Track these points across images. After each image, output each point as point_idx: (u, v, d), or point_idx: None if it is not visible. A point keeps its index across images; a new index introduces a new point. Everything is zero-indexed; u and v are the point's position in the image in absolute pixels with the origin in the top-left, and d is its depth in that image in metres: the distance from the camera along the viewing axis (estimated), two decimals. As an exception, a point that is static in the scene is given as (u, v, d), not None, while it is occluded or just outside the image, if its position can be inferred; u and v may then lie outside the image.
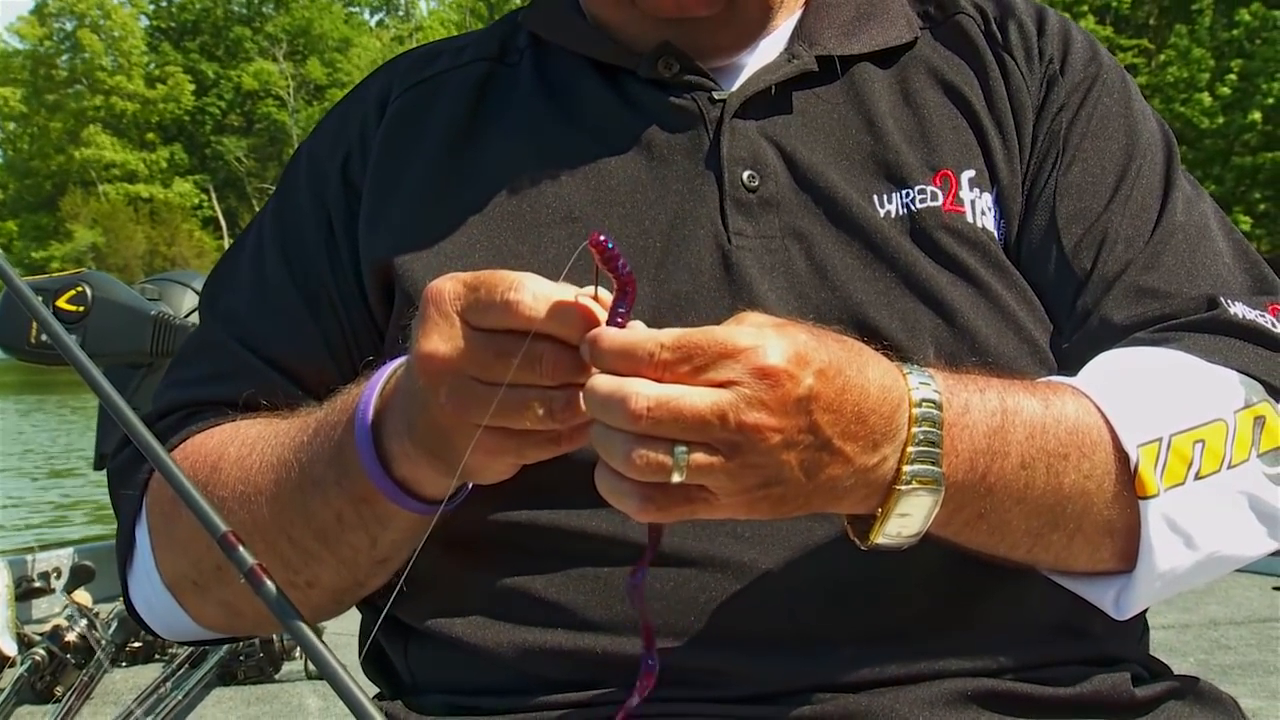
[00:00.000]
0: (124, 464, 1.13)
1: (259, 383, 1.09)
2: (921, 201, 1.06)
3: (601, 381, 0.78)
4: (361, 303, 1.09)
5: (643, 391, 0.77)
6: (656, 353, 0.78)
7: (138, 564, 1.11)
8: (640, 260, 1.03)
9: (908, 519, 0.86)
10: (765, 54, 1.12)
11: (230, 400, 1.10)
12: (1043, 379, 0.99)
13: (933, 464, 0.85)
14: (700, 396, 0.77)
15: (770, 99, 1.08)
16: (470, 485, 0.95)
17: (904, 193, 1.06)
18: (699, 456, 0.78)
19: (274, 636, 3.27)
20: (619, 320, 0.80)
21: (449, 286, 0.83)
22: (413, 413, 0.87)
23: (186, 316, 3.07)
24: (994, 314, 1.03)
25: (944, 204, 1.06)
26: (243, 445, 1.03)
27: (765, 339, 0.79)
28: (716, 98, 1.08)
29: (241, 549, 0.80)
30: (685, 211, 1.05)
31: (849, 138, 1.08)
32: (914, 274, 1.03)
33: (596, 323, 0.80)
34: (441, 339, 0.83)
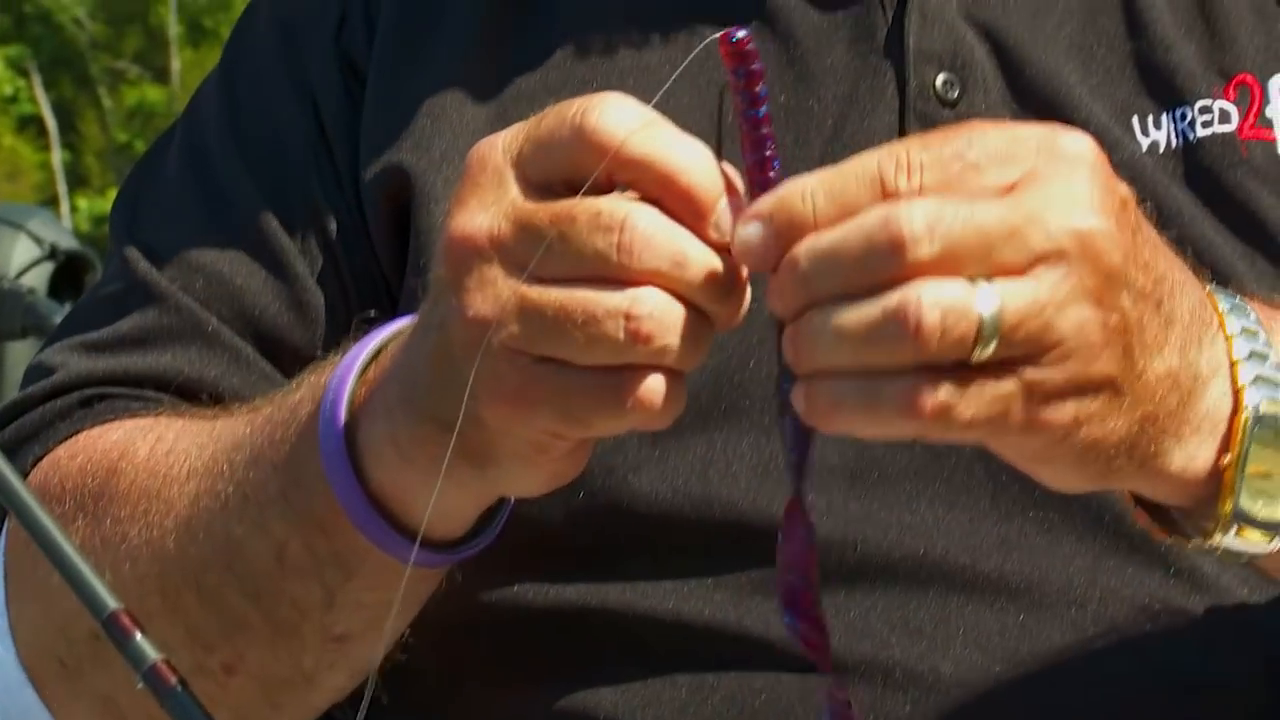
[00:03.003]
0: None
1: (210, 350, 1.11)
2: (1207, 125, 1.08)
3: (831, 231, 0.76)
4: (366, 233, 1.12)
5: (916, 205, 0.75)
6: (903, 158, 0.77)
7: None
8: None
9: (1270, 483, 0.85)
10: None
11: (163, 375, 1.11)
12: None
13: None
14: (999, 202, 0.77)
15: None
16: (500, 520, 0.95)
17: (1180, 112, 1.08)
18: (1019, 290, 0.76)
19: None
20: (769, 173, 0.79)
21: (503, 136, 0.83)
22: (419, 367, 0.86)
23: (19, 276, 3.12)
24: None
25: (1241, 127, 1.08)
26: (159, 441, 1.04)
27: (1050, 126, 0.81)
28: None
29: (140, 636, 0.80)
30: (846, 129, 1.07)
31: (1096, 27, 1.10)
32: (1191, 240, 1.04)
33: (729, 180, 0.79)
34: (481, 206, 0.82)
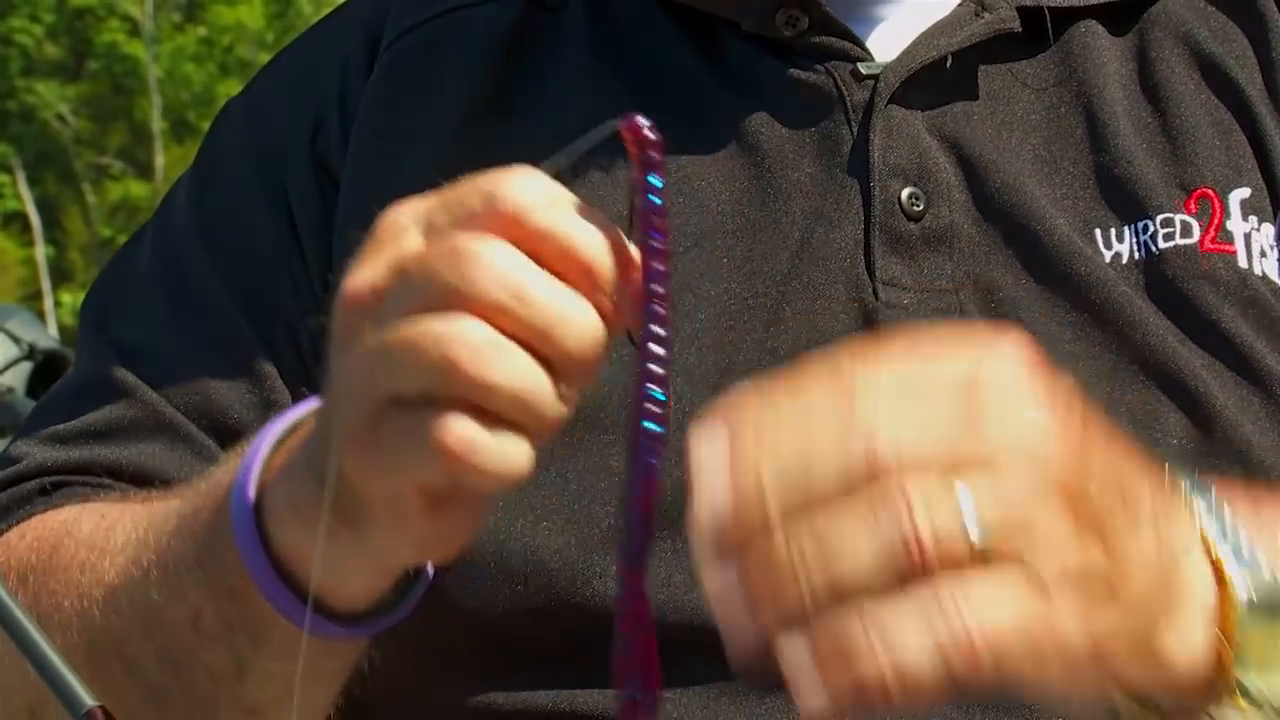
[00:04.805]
0: None
1: (175, 445, 1.11)
2: (1169, 238, 1.09)
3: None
4: None
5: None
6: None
7: None
8: (742, 317, 1.06)
9: (1271, 655, 0.81)
10: (933, 3, 1.15)
11: (125, 467, 1.11)
12: None
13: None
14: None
15: (945, 76, 1.12)
16: (410, 600, 0.93)
17: (1142, 225, 1.10)
18: (989, 486, 0.70)
19: None
20: (657, 286, 0.78)
21: (414, 200, 0.82)
22: (321, 431, 0.85)
23: (1, 371, 3.14)
24: (1277, 415, 1.07)
25: (1203, 240, 1.10)
26: (103, 518, 1.04)
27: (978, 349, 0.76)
28: (865, 72, 1.11)
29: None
30: (810, 246, 1.08)
31: (1059, 140, 1.12)
32: (1154, 349, 1.06)
33: (628, 257, 0.78)
34: (374, 263, 0.80)
